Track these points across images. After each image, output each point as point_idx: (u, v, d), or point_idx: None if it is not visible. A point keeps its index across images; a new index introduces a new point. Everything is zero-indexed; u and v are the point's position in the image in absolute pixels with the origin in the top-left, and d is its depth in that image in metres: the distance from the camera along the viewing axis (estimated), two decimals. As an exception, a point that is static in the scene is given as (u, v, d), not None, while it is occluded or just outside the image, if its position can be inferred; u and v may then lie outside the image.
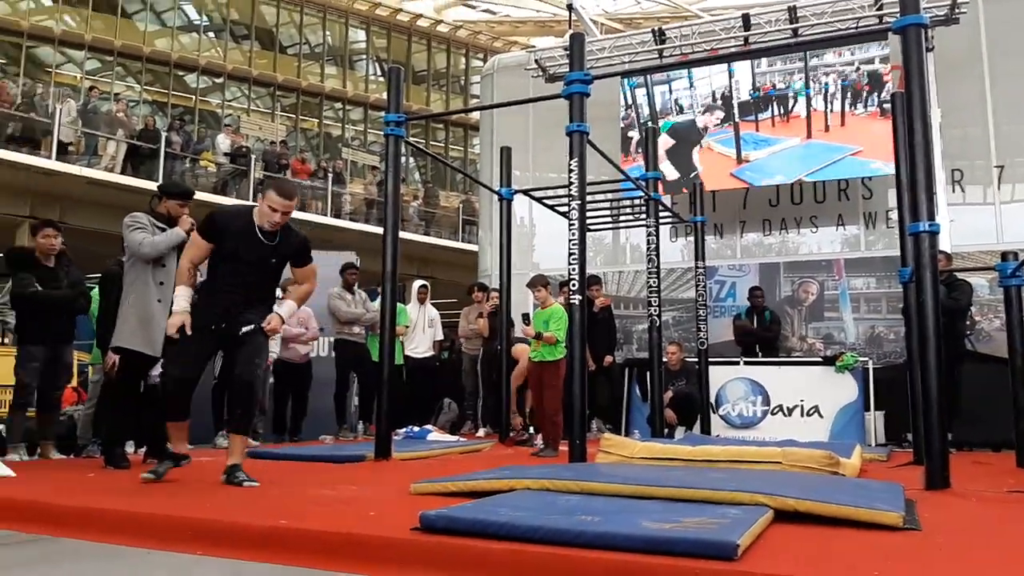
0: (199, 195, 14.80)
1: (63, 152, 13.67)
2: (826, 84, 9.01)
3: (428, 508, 2.60)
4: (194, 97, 23.26)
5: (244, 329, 3.77)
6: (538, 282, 6.08)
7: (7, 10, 20.77)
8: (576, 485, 3.24)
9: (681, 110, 9.71)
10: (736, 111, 9.42)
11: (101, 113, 15.20)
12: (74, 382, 7.08)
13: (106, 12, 22.03)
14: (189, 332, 3.66)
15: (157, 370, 4.85)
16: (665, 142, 9.60)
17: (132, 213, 4.89)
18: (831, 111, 8.96)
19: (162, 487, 3.71)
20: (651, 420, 6.93)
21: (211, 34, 23.90)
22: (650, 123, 9.65)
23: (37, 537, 2.85)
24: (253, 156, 16.67)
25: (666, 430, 6.90)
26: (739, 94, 9.43)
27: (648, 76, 9.80)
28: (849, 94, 8.89)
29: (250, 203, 3.96)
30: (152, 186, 13.49)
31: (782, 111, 9.23)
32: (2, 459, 4.26)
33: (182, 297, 3.74)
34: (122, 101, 17.16)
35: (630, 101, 9.93)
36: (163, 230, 4.70)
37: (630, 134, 9.87)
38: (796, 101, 9.14)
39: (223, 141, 16.71)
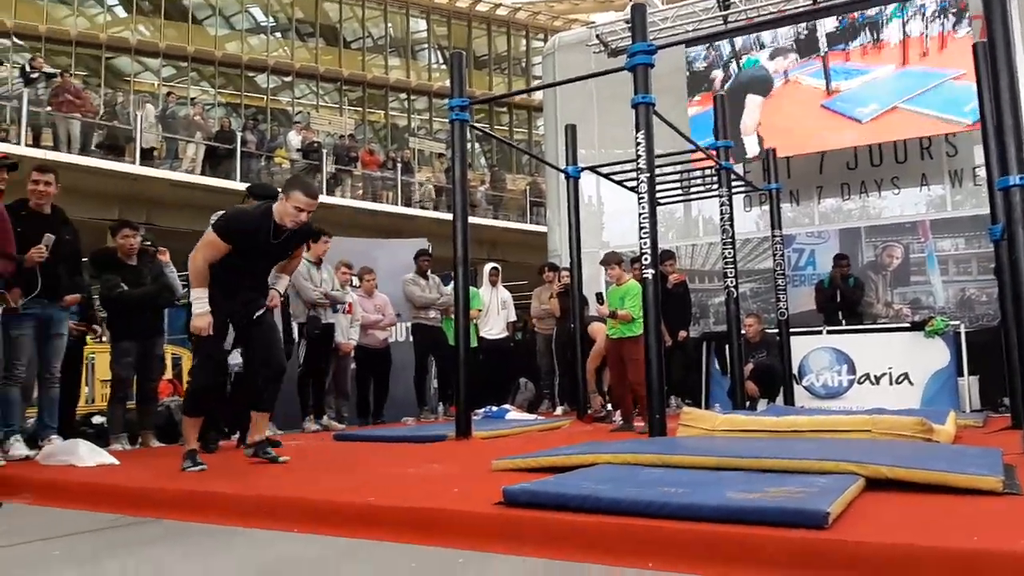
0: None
1: (146, 157, 14.28)
2: (923, 5, 8.47)
3: (510, 484, 2.63)
4: (265, 97, 23.90)
5: (258, 313, 4.04)
6: (611, 260, 6.03)
7: (87, 24, 21.75)
8: (658, 458, 3.21)
9: (762, 46, 9.37)
10: (823, 42, 8.98)
11: (179, 118, 15.78)
12: (168, 374, 7.39)
13: (178, 20, 22.81)
14: (212, 332, 3.77)
15: (236, 359, 5.05)
16: (753, 106, 9.30)
17: (216, 212, 5.10)
18: (929, 35, 8.43)
19: (253, 470, 3.86)
20: (731, 393, 6.81)
21: (278, 34, 24.47)
22: (733, 63, 9.39)
23: (142, 519, 3.02)
24: (324, 151, 17.05)
25: (747, 403, 6.77)
26: (824, 24, 9.00)
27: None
28: (951, 15, 8.33)
29: (265, 202, 4.01)
30: (231, 185, 14.12)
31: (874, 38, 8.76)
32: (107, 449, 4.50)
33: (202, 299, 3.75)
34: (198, 104, 17.77)
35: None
36: None
37: (713, 74, 9.60)
38: (888, 26, 8.62)
39: (295, 138, 17.13)
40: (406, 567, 2.22)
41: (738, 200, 8.51)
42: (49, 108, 13.10)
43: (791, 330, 7.57)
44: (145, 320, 5.34)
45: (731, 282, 6.44)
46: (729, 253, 6.48)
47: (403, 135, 24.88)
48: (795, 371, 7.64)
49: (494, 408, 7.53)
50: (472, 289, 7.33)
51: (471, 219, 5.47)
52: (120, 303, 5.22)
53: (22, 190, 4.73)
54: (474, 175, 19.81)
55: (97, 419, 5.97)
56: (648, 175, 4.52)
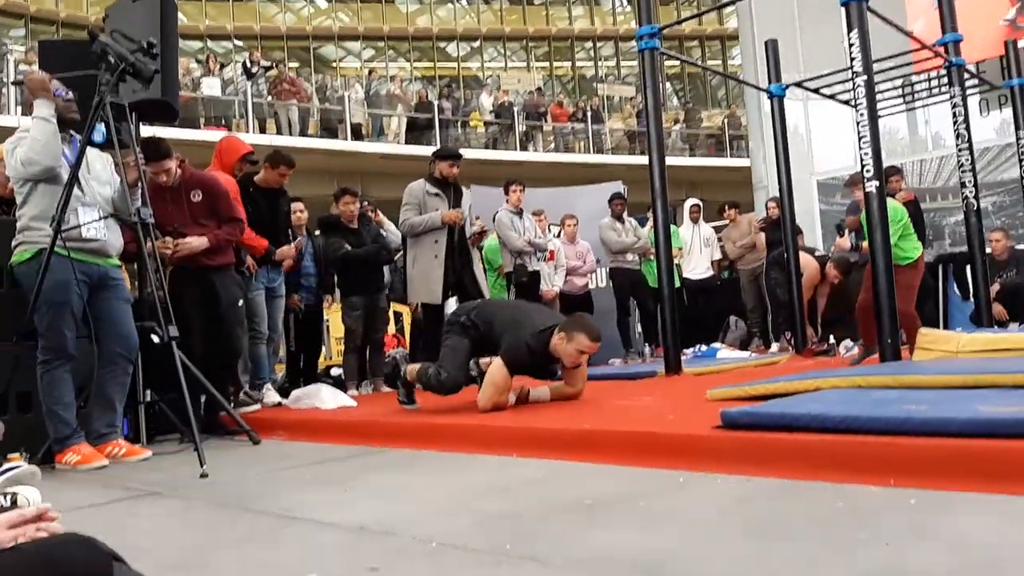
0: (475, 153, 15.86)
1: (356, 133, 15.35)
2: None
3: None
4: (456, 65, 24.67)
5: None
6: (857, 180, 5.38)
7: (294, 19, 23.61)
8: (894, 380, 2.95)
9: None
10: None
11: (381, 96, 16.74)
12: (392, 329, 7.96)
13: (373, 1, 24.07)
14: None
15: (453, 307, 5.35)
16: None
17: (409, 186, 5.35)
18: None
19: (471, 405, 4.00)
20: (975, 318, 6.10)
21: (463, 1, 25.06)
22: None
23: (379, 449, 3.28)
24: (515, 109, 17.31)
25: (995, 327, 6.04)
26: None
27: None
28: None
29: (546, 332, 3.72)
30: (431, 152, 14.77)
31: None
32: (347, 393, 4.94)
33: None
34: (397, 79, 18.70)
35: None
36: (437, 194, 5.21)
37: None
38: None
39: (486, 100, 17.57)
40: (624, 486, 2.21)
41: (973, 105, 7.51)
42: (270, 98, 14.41)
43: (1045, 244, 6.63)
44: (368, 276, 5.76)
45: (970, 192, 5.70)
46: (966, 160, 5.73)
47: (591, 84, 24.64)
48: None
49: (703, 348, 7.34)
50: (671, 227, 7.13)
51: (667, 160, 5.24)
52: (345, 262, 5.66)
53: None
54: (667, 115, 19.20)
55: (335, 371, 6.59)
56: (865, 78, 4.08)
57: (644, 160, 5.47)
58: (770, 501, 1.94)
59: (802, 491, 2.00)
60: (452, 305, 5.43)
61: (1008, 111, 7.16)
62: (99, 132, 3.55)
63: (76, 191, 3.35)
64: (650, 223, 7.38)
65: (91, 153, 3.54)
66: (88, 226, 3.41)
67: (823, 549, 1.50)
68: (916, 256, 5.25)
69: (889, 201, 5.19)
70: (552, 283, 7.12)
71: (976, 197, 5.78)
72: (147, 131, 4.62)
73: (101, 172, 3.60)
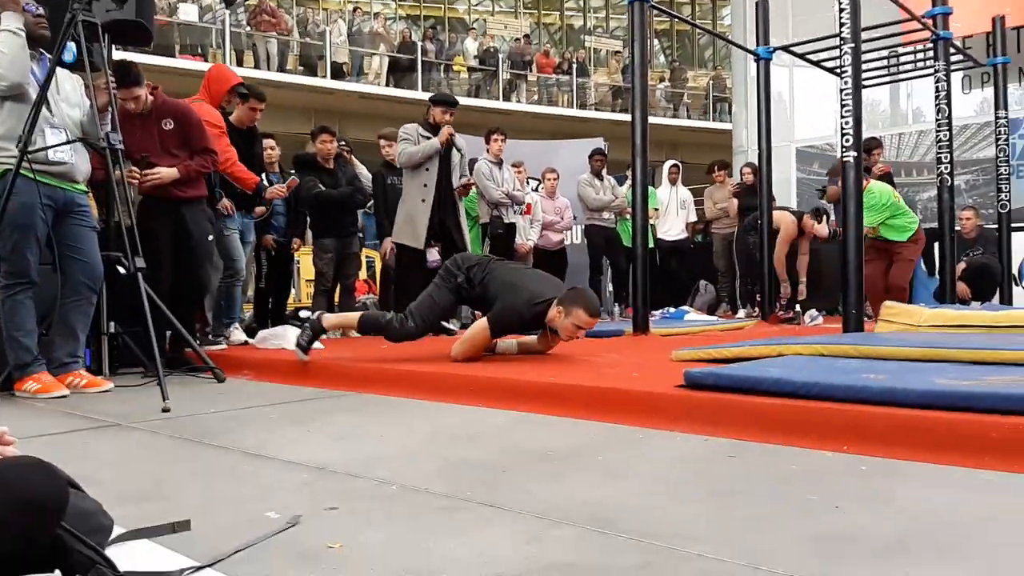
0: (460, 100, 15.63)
1: (337, 73, 15.01)
2: None
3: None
4: (443, 6, 24.08)
5: None
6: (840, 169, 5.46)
7: (277, -54, 22.76)
8: (855, 350, 3.00)
9: None
10: None
11: (364, 34, 16.34)
12: (363, 274, 7.91)
13: (358, -67, 23.28)
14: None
15: (434, 256, 5.37)
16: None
17: (404, 126, 5.35)
18: None
19: (439, 351, 4.02)
20: (939, 295, 6.23)
21: (452, -60, 24.36)
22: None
23: (342, 392, 3.29)
24: (500, 56, 17.03)
25: (956, 304, 6.17)
26: None
27: None
28: None
29: (544, 303, 3.57)
30: (412, 95, 14.57)
31: None
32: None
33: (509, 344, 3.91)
34: (380, 17, 18.25)
35: None
36: (429, 138, 5.22)
37: None
38: None
39: (471, 45, 17.25)
40: (586, 440, 2.24)
41: (955, 82, 7.53)
42: (248, 28, 14.00)
43: (1012, 225, 6.74)
44: (342, 219, 5.70)
45: (945, 168, 5.76)
46: (944, 136, 5.78)
47: (578, 36, 24.27)
48: (1015, 271, 6.84)
49: (672, 310, 7.41)
50: (649, 188, 7.12)
51: (650, 119, 5.21)
52: (318, 201, 5.59)
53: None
54: (653, 73, 19.02)
55: (304, 313, 6.54)
56: (852, 45, 4.06)
57: (627, 117, 5.43)
58: (727, 461, 1.98)
59: (758, 452, 2.05)
60: (434, 254, 5.46)
61: (990, 90, 7.19)
62: (69, 51, 3.44)
63: (44, 112, 3.25)
64: (628, 182, 7.38)
65: (61, 74, 3.43)
66: (55, 149, 3.32)
67: (776, 509, 1.54)
68: (915, 228, 5.42)
69: (876, 183, 5.28)
70: (527, 237, 7.11)
71: (951, 174, 5.85)
72: (119, 55, 4.46)
73: (71, 94, 3.49)
